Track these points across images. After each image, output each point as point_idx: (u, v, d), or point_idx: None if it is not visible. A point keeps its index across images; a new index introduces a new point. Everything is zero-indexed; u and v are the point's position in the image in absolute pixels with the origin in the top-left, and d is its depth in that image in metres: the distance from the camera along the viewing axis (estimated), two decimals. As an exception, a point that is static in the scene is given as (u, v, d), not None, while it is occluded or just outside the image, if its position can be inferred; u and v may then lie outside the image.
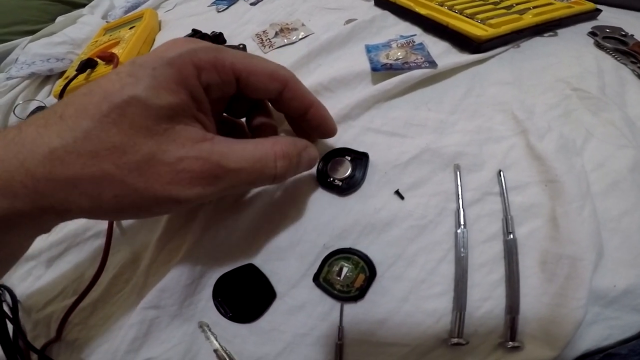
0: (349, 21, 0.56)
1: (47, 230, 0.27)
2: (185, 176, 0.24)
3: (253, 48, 0.58)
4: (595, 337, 0.29)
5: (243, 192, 0.37)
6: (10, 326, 0.37)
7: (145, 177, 0.24)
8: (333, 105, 0.36)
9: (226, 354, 0.32)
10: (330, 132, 0.35)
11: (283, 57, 0.53)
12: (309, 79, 0.46)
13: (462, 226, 0.32)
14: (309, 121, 0.33)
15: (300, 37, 0.57)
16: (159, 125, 0.24)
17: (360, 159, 0.36)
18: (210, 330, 0.33)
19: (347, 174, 0.36)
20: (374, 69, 0.44)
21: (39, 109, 0.64)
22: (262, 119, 0.35)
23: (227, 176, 0.26)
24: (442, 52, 0.47)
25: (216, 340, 0.32)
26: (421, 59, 0.45)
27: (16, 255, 0.28)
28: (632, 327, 0.29)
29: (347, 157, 0.37)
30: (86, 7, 0.95)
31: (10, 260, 0.28)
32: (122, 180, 0.23)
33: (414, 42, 0.48)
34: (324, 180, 0.36)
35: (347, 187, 0.35)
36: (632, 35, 0.48)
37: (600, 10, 0.53)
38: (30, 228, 0.25)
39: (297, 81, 0.32)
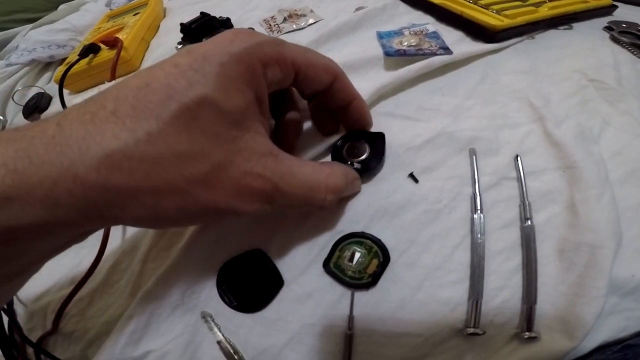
0: (359, 9, 0.55)
1: (81, 238, 0.25)
2: (246, 192, 0.24)
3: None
4: (612, 328, 0.28)
5: None
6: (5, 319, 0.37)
7: (210, 189, 0.23)
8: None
9: (230, 345, 0.30)
10: (367, 125, 0.36)
11: (292, 42, 0.52)
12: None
13: (479, 211, 0.31)
14: (350, 113, 0.34)
15: (309, 23, 0.56)
16: (229, 132, 0.23)
17: (376, 140, 0.35)
18: (213, 320, 0.32)
19: (364, 156, 0.34)
20: (387, 54, 0.44)
21: (39, 95, 0.63)
22: (288, 108, 0.35)
23: (281, 198, 0.26)
24: (456, 41, 0.47)
25: (220, 331, 0.31)
26: (435, 46, 0.44)
27: (39, 264, 0.26)
28: (650, 319, 0.29)
29: (363, 139, 0.35)
30: (89, -6, 0.94)
31: (32, 269, 0.26)
32: (186, 192, 0.22)
33: (427, 30, 0.48)
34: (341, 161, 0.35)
35: (367, 170, 0.34)
36: (649, 31, 0.48)
37: (616, 6, 0.53)
38: (64, 236, 0.23)
39: (345, 74, 0.32)
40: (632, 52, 0.45)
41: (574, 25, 0.49)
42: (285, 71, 0.27)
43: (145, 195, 0.21)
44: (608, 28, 0.49)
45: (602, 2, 0.52)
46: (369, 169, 0.34)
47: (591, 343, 0.28)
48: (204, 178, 0.22)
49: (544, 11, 0.48)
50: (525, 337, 0.27)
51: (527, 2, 0.50)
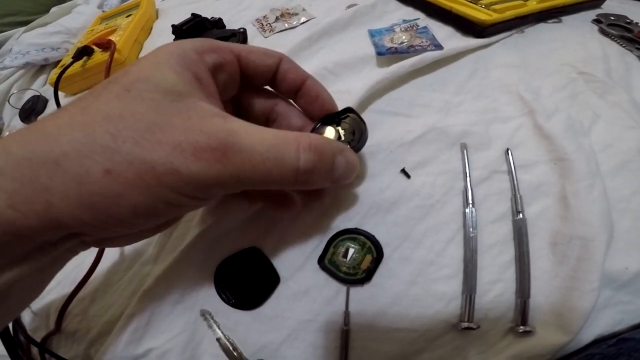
0: (350, 6, 0.55)
1: (40, 256, 0.22)
2: (188, 148, 0.21)
3: (253, 33, 0.58)
4: (607, 321, 0.28)
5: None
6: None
7: (142, 145, 0.20)
8: (338, 89, 0.35)
9: (229, 342, 0.31)
10: (329, 103, 0.32)
11: (284, 41, 0.53)
12: (311, 62, 0.46)
13: (471, 205, 0.32)
14: (307, 94, 0.32)
15: (301, 21, 0.56)
16: (165, 97, 0.22)
17: (347, 116, 0.32)
18: (212, 318, 0.32)
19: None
20: (379, 53, 0.44)
21: (34, 98, 0.64)
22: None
23: (238, 157, 0.22)
24: (446, 36, 0.47)
25: (219, 328, 0.31)
26: (426, 42, 0.44)
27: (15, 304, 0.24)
28: (645, 312, 0.29)
29: (334, 123, 0.32)
30: (81, -4, 0.94)
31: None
32: (114, 150, 0.20)
33: (418, 25, 0.48)
34: None
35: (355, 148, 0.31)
36: (637, 23, 0.48)
37: (604, -1, 0.53)
38: (12, 248, 0.20)
39: (289, 58, 0.31)
40: (621, 45, 0.45)
41: (563, 18, 0.50)
42: (224, 56, 0.27)
43: (69, 159, 0.19)
44: (597, 21, 0.49)
45: (590, -5, 0.52)
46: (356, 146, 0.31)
47: (587, 336, 0.28)
48: (136, 135, 0.20)
49: (533, 5, 0.48)
50: (520, 331, 0.28)
51: (516, -4, 0.50)
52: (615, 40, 0.46)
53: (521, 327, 0.28)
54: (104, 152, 0.20)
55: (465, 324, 0.28)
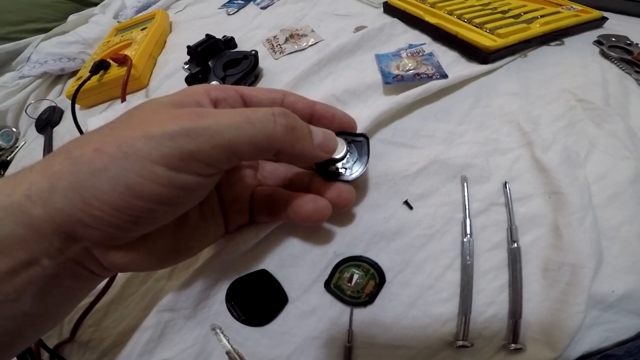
0: (358, 28, 0.56)
1: (47, 266, 0.23)
2: (165, 118, 0.23)
3: (264, 53, 0.59)
4: (594, 339, 0.30)
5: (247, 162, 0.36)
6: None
7: (131, 129, 0.23)
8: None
9: (238, 355, 0.32)
10: (346, 118, 0.34)
11: (293, 64, 0.55)
12: (320, 88, 0.47)
13: (469, 235, 0.34)
14: (322, 117, 0.33)
15: (310, 43, 0.57)
16: (164, 106, 0.26)
17: (359, 142, 0.34)
18: (222, 332, 0.34)
19: (342, 154, 0.32)
20: (387, 83, 0.45)
21: (50, 108, 0.65)
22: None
23: (212, 116, 0.23)
24: (451, 62, 0.48)
25: (228, 342, 0.33)
26: (432, 69, 0.45)
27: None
28: (629, 330, 0.30)
29: (346, 139, 0.33)
30: (98, 6, 0.96)
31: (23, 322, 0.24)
32: (107, 134, 0.23)
33: (424, 51, 0.49)
34: (324, 170, 0.33)
35: (351, 171, 0.33)
36: (637, 44, 0.49)
37: (606, 19, 0.53)
38: (19, 248, 0.21)
39: (291, 92, 0.33)
40: (621, 68, 0.46)
41: (565, 40, 0.50)
42: (227, 93, 0.30)
43: (75, 147, 0.23)
44: (598, 42, 0.50)
45: (592, 15, 0.53)
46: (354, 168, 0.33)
47: (574, 353, 0.30)
48: (128, 124, 0.24)
49: (536, 28, 0.49)
50: (512, 348, 0.29)
51: (520, 19, 0.51)
52: (615, 63, 0.46)
53: (512, 344, 0.29)
54: (100, 137, 0.23)
55: (461, 342, 0.30)
